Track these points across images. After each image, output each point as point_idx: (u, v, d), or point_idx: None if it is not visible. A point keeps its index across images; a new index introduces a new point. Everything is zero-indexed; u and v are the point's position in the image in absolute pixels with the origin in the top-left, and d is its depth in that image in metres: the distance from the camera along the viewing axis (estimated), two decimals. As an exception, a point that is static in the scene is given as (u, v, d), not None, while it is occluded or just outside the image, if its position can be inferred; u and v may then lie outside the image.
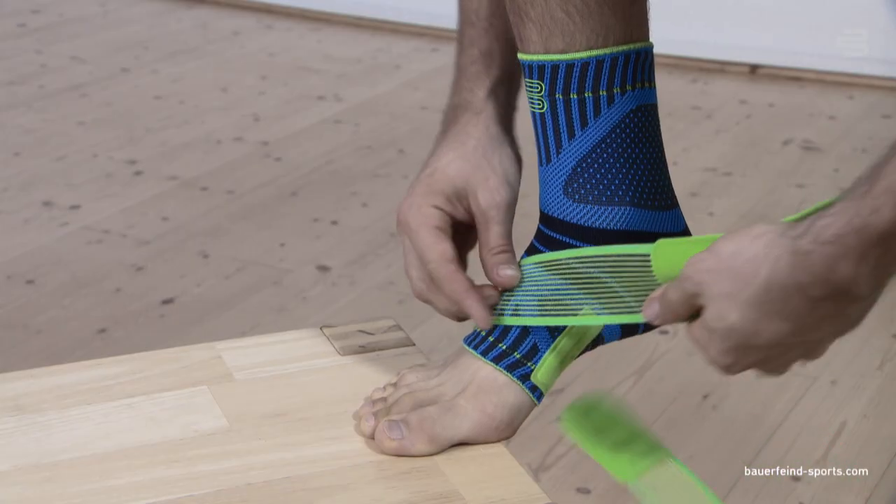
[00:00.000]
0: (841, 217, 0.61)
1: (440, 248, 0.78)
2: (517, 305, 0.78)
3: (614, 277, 0.73)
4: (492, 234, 0.79)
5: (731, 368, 0.68)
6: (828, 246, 0.61)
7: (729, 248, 0.66)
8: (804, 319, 0.64)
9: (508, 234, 0.80)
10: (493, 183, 0.79)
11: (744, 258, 0.65)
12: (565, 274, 0.76)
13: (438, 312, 0.81)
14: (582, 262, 0.75)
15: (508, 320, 0.77)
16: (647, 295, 0.71)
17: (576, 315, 0.75)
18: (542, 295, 0.77)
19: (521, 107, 0.83)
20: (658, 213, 0.78)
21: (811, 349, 0.67)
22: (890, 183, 0.59)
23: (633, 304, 0.72)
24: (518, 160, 0.82)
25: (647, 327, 0.80)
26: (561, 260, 0.76)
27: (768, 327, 0.64)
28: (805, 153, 2.55)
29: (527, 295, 0.78)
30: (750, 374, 1.62)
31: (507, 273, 0.78)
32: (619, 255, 0.73)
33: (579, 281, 0.75)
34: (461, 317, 0.79)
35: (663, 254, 0.70)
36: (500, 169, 0.80)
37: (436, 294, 0.79)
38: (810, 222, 0.62)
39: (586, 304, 0.75)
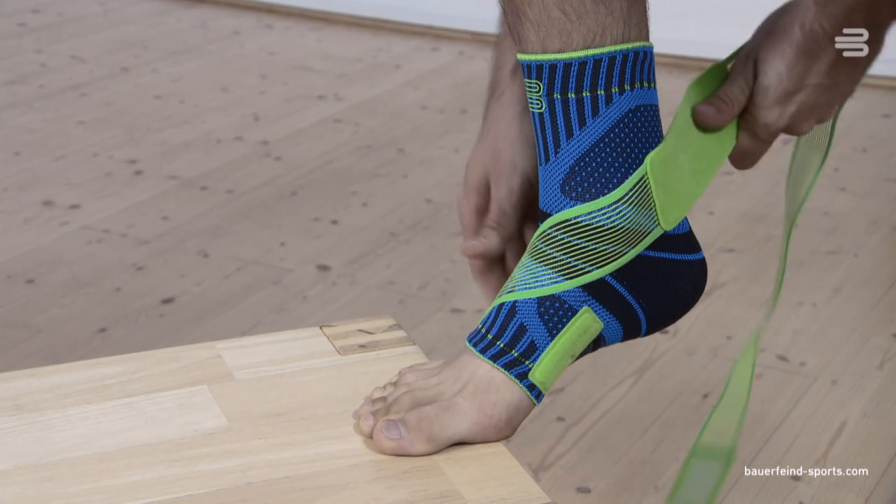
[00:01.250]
0: None
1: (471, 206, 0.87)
2: (513, 287, 0.78)
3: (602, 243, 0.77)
4: (492, 212, 0.85)
5: (783, 118, 0.80)
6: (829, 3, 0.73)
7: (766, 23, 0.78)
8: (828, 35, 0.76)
9: (509, 216, 0.86)
10: (502, 176, 0.85)
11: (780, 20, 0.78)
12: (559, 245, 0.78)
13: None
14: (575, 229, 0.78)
15: (503, 297, 0.79)
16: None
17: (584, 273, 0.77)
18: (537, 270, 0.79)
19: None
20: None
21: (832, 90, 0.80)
22: None
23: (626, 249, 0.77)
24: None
25: (648, 331, 0.80)
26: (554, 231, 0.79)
27: (805, 63, 0.77)
28: (805, 153, 2.55)
29: (525, 273, 0.79)
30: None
31: (479, 240, 0.85)
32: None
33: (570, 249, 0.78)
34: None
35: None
36: (509, 157, 0.85)
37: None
38: None
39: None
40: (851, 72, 0.79)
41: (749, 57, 0.79)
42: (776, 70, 0.78)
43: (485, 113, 0.88)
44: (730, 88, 0.79)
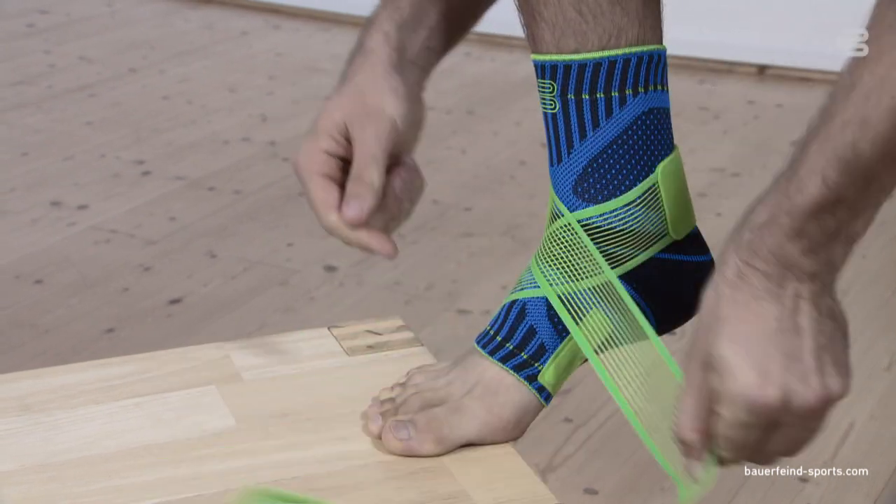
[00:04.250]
0: (770, 203, 0.64)
1: (321, 197, 0.78)
2: (523, 287, 0.78)
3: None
4: (357, 163, 0.78)
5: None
6: (764, 229, 0.64)
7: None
8: (783, 302, 0.65)
9: (379, 162, 0.78)
10: (369, 119, 0.79)
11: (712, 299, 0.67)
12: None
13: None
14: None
15: (512, 296, 0.78)
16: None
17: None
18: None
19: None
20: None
21: (800, 373, 0.65)
22: (812, 164, 0.62)
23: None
24: (411, 99, 0.81)
25: (657, 332, 0.80)
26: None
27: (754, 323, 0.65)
28: (813, 154, 2.54)
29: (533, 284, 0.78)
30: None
31: (352, 209, 0.77)
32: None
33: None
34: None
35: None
36: (376, 103, 0.79)
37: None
38: (745, 217, 0.65)
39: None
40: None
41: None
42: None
43: (345, 70, 0.83)
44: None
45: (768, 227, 0.64)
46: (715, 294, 0.66)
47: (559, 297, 0.76)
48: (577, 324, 0.76)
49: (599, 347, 0.78)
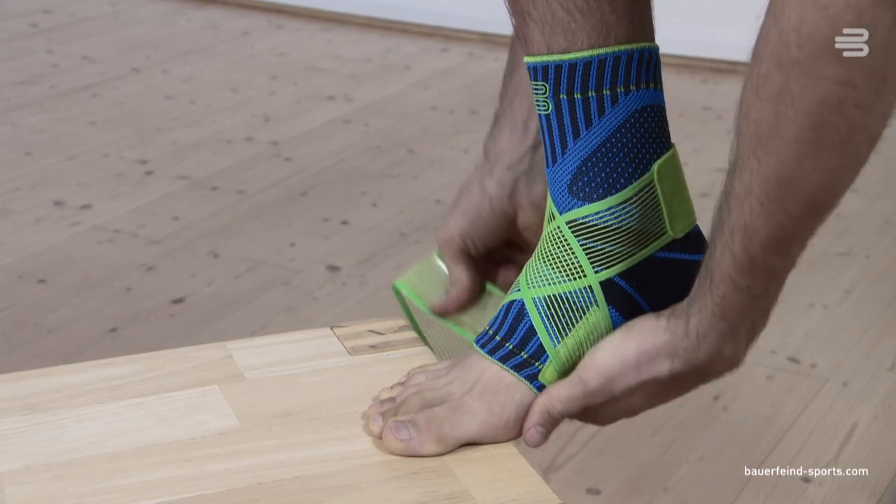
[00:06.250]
0: (703, 313, 0.73)
1: (457, 274, 0.88)
2: (521, 287, 0.79)
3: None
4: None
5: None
6: (704, 340, 0.73)
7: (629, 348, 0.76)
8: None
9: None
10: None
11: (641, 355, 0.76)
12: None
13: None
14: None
15: (511, 297, 0.80)
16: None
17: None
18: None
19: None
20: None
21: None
22: (722, 272, 0.71)
23: None
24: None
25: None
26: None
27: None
28: (816, 154, 2.54)
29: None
30: (761, 377, 1.60)
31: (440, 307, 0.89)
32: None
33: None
34: None
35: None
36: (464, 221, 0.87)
37: None
38: (686, 320, 0.74)
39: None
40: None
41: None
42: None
43: (492, 132, 0.88)
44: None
45: (707, 337, 0.73)
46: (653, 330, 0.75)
47: (544, 298, 0.77)
48: (554, 330, 0.77)
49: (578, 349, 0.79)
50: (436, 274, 0.89)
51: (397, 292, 0.90)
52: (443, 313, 0.88)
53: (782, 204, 0.66)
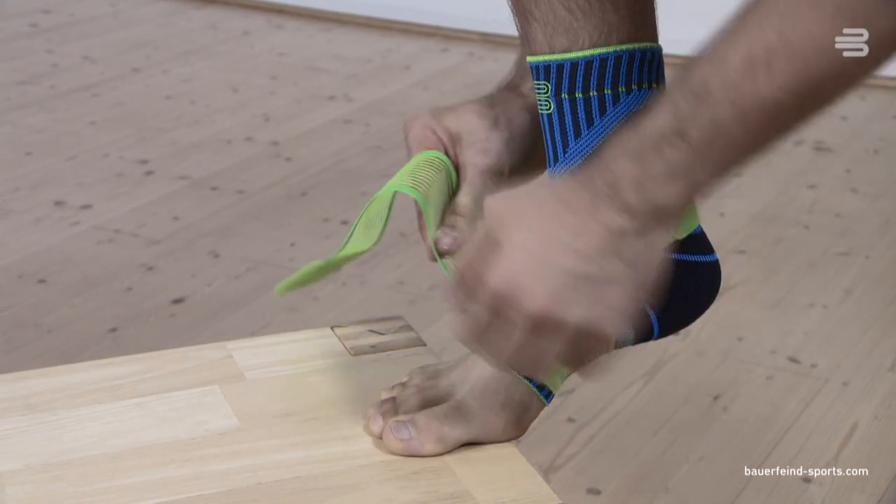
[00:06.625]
0: (626, 126, 0.63)
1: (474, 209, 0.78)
2: None
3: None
4: (460, 195, 0.79)
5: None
6: (608, 143, 0.64)
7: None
8: (583, 220, 0.64)
9: (481, 191, 0.78)
10: (486, 145, 0.80)
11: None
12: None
13: None
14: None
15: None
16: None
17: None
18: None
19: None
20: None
21: (605, 298, 0.65)
22: (668, 95, 0.62)
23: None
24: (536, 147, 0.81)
25: (661, 334, 0.80)
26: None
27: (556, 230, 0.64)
28: (816, 154, 2.54)
29: None
30: (761, 377, 1.60)
31: (444, 242, 0.78)
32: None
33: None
34: None
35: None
36: (501, 137, 0.80)
37: None
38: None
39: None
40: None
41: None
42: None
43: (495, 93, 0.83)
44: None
45: (614, 143, 0.64)
46: (544, 180, 0.66)
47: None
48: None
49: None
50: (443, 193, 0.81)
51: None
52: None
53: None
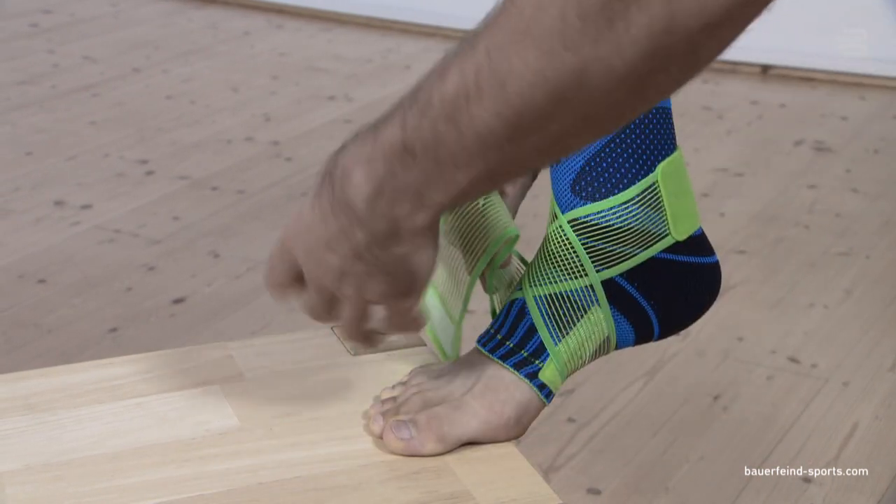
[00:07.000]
0: (366, 131, 0.65)
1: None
2: (523, 285, 0.79)
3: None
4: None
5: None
6: (350, 144, 0.66)
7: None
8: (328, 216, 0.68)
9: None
10: None
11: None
12: None
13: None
14: None
15: (514, 296, 0.79)
16: None
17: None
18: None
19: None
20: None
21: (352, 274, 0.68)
22: (401, 107, 0.62)
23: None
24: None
25: (661, 334, 0.80)
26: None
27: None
28: (817, 154, 2.54)
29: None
30: (761, 377, 1.61)
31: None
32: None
33: None
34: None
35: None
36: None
37: None
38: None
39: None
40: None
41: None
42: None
43: None
44: None
45: (351, 149, 0.65)
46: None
47: (545, 297, 0.77)
48: (556, 329, 0.77)
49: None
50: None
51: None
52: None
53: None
